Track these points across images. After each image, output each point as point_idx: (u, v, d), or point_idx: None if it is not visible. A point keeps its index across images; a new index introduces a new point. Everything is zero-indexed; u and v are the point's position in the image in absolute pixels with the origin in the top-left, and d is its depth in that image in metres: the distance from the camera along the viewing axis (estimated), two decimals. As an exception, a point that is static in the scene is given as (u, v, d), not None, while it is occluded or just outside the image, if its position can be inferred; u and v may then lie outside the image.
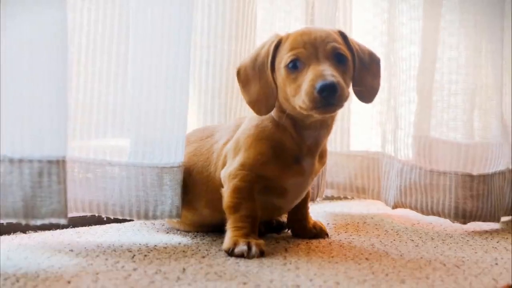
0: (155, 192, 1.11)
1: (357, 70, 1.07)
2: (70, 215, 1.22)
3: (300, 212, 1.21)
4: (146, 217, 1.12)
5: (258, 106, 1.07)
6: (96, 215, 1.13)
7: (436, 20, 1.42)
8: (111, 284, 0.84)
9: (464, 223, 1.36)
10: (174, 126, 1.12)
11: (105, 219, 1.18)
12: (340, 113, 1.56)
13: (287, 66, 1.02)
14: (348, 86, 1.03)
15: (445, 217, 1.37)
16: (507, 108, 1.53)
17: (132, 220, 1.27)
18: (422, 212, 1.40)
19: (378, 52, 1.51)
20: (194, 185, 1.15)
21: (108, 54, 1.13)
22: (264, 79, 1.06)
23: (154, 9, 1.09)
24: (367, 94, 1.10)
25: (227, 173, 1.08)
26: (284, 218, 1.27)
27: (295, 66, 1.02)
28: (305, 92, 0.98)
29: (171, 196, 1.12)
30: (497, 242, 1.21)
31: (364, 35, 1.58)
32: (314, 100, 0.97)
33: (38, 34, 0.95)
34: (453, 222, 1.37)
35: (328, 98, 0.96)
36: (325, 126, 1.09)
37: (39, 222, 0.96)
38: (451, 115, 1.42)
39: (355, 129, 1.62)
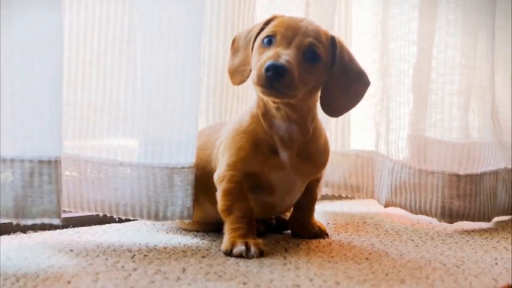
0: (165, 193, 1.11)
1: (334, 80, 1.06)
2: (72, 215, 1.23)
3: (303, 213, 1.20)
4: (156, 218, 1.12)
5: (234, 75, 1.10)
6: (108, 215, 1.13)
7: (432, 21, 1.42)
8: (111, 284, 0.84)
9: (451, 222, 1.37)
10: (184, 125, 1.12)
11: (116, 219, 1.18)
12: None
13: (262, 39, 1.04)
14: (306, 84, 1.02)
15: (432, 216, 1.38)
16: (507, 108, 1.53)
17: (133, 220, 1.27)
18: (411, 211, 1.40)
19: (377, 52, 1.53)
20: (200, 179, 1.15)
21: (119, 53, 1.13)
22: (247, 51, 1.08)
23: (162, 7, 1.09)
24: (336, 108, 1.09)
25: (217, 176, 1.09)
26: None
27: (269, 42, 1.03)
28: (257, 67, 0.99)
29: (181, 197, 1.12)
30: (497, 242, 1.21)
31: (363, 34, 1.58)
32: (260, 76, 0.97)
33: (31, 33, 0.95)
34: (440, 222, 1.38)
35: (272, 80, 0.96)
36: (294, 121, 1.07)
37: (30, 222, 0.95)
38: (439, 115, 1.42)
39: (352, 129, 1.62)
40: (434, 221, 1.43)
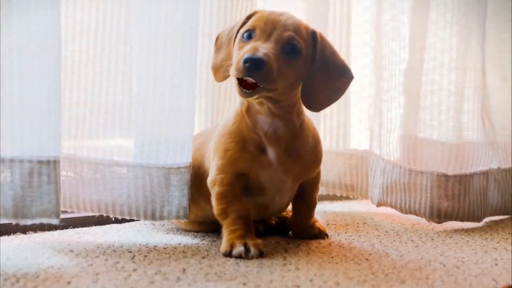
0: (162, 193, 1.12)
1: (315, 74, 1.05)
2: (72, 215, 1.23)
3: (302, 218, 1.20)
4: (153, 217, 1.12)
5: (217, 72, 1.10)
6: (105, 215, 1.13)
7: (424, 21, 1.42)
8: (111, 285, 0.84)
9: (439, 222, 1.37)
10: (180, 125, 1.12)
11: (113, 218, 1.18)
12: (329, 112, 1.56)
13: (242, 34, 1.04)
14: (286, 78, 1.01)
15: (421, 216, 1.38)
16: (503, 108, 1.52)
17: (133, 220, 1.27)
18: (401, 211, 1.40)
19: (374, 52, 1.52)
20: (196, 178, 1.15)
21: (115, 54, 1.14)
22: (229, 47, 1.08)
23: (158, 8, 1.09)
24: (316, 103, 1.08)
25: (209, 181, 1.09)
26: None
27: (249, 36, 1.03)
28: (236, 60, 0.99)
29: (178, 197, 1.12)
30: (497, 243, 1.21)
31: (362, 35, 1.58)
32: (238, 69, 0.97)
33: (30, 33, 0.95)
34: (428, 221, 1.38)
35: (250, 72, 0.96)
36: (278, 116, 1.06)
37: (29, 222, 0.96)
38: (429, 115, 1.42)
39: (351, 128, 1.62)
40: (433, 221, 1.43)
